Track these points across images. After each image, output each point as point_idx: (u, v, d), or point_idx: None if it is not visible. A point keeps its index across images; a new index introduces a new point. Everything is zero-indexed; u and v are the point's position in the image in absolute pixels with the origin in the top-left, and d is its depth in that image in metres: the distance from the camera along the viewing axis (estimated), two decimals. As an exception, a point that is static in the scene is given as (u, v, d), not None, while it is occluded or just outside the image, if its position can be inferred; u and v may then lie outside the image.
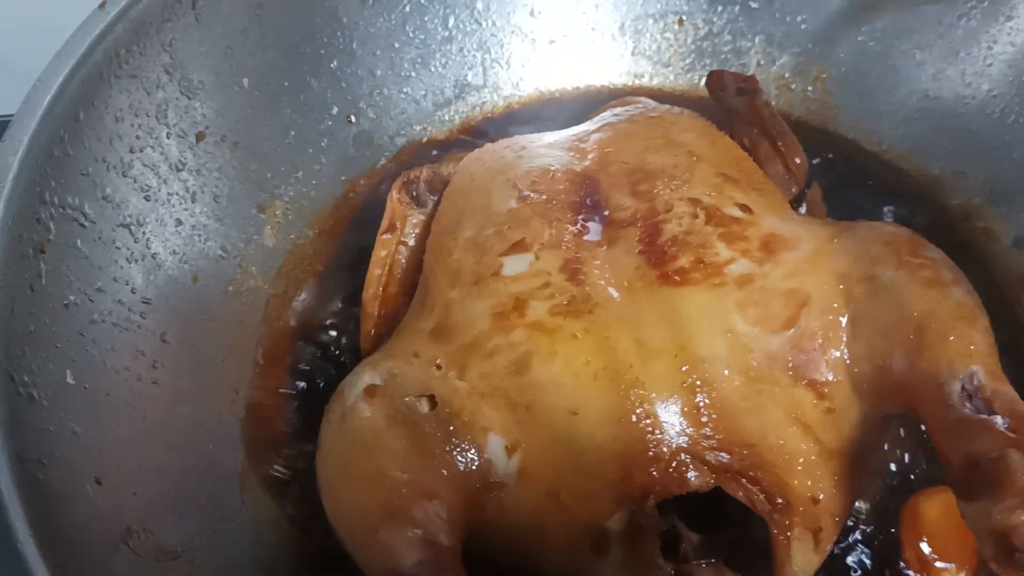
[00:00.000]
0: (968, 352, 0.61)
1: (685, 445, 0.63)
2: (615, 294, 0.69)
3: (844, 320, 0.67)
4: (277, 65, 0.93)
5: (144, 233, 0.80)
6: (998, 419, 0.57)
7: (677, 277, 0.69)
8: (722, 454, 0.63)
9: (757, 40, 1.08)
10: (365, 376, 0.71)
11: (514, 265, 0.72)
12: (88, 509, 0.63)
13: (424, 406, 0.68)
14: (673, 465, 0.63)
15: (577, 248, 0.72)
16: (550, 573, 0.67)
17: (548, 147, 0.82)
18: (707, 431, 0.63)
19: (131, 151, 0.79)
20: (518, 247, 0.73)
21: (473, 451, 0.66)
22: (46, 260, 0.69)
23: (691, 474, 0.63)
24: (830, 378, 0.66)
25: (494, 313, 0.69)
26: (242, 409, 0.84)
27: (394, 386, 0.69)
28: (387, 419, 0.66)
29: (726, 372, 0.65)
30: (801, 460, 0.65)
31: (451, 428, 0.66)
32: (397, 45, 1.02)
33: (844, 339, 0.67)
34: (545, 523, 0.65)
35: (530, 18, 1.09)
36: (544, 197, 0.76)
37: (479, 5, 1.06)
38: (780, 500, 0.63)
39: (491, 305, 0.69)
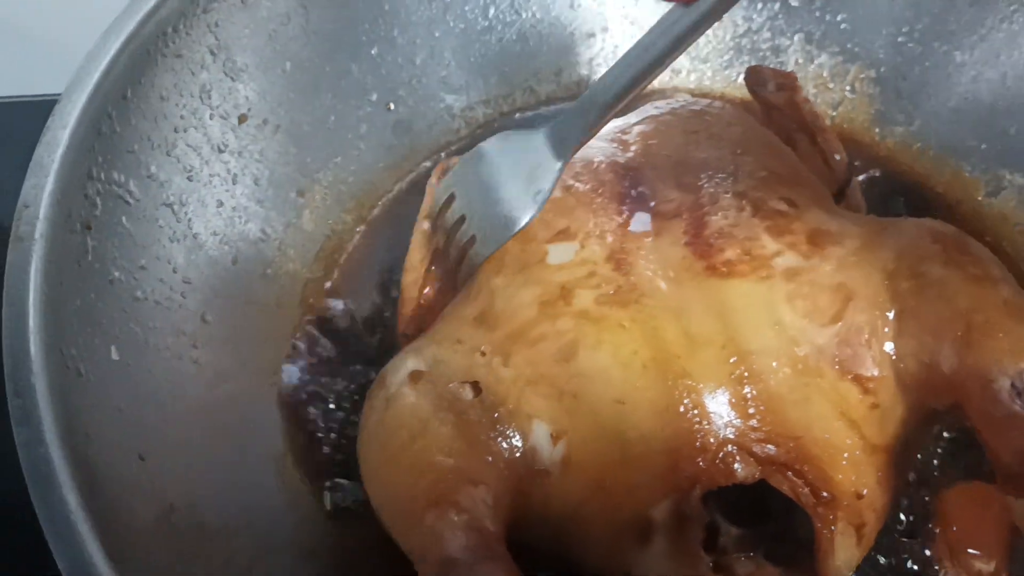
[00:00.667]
0: (1018, 349, 0.61)
1: (732, 436, 0.63)
2: (662, 284, 0.68)
3: (890, 315, 0.67)
4: (319, 50, 0.93)
5: (186, 213, 0.80)
6: (1048, 415, 0.57)
7: (724, 269, 0.68)
8: (769, 446, 0.63)
9: (796, 38, 1.08)
10: (408, 362, 0.71)
11: (559, 254, 0.72)
12: (132, 484, 0.63)
13: (468, 393, 0.67)
14: (720, 456, 0.62)
15: (622, 239, 0.72)
16: (592, 562, 0.66)
17: None
18: (754, 422, 0.63)
19: (175, 131, 0.79)
20: (563, 235, 0.72)
21: (518, 438, 0.65)
22: (92, 236, 0.69)
23: (737, 465, 0.62)
24: (876, 373, 0.66)
25: (540, 301, 0.69)
26: (280, 393, 0.84)
27: (438, 372, 0.69)
28: (432, 405, 0.66)
29: (774, 364, 0.65)
30: (846, 455, 0.64)
31: (496, 415, 0.66)
32: (437, 34, 1.02)
33: (890, 335, 0.66)
34: (589, 512, 0.65)
35: (570, 10, 1.08)
36: (588, 187, 0.76)
37: (520, -4, 1.06)
38: (825, 494, 0.63)
39: (537, 293, 0.69)
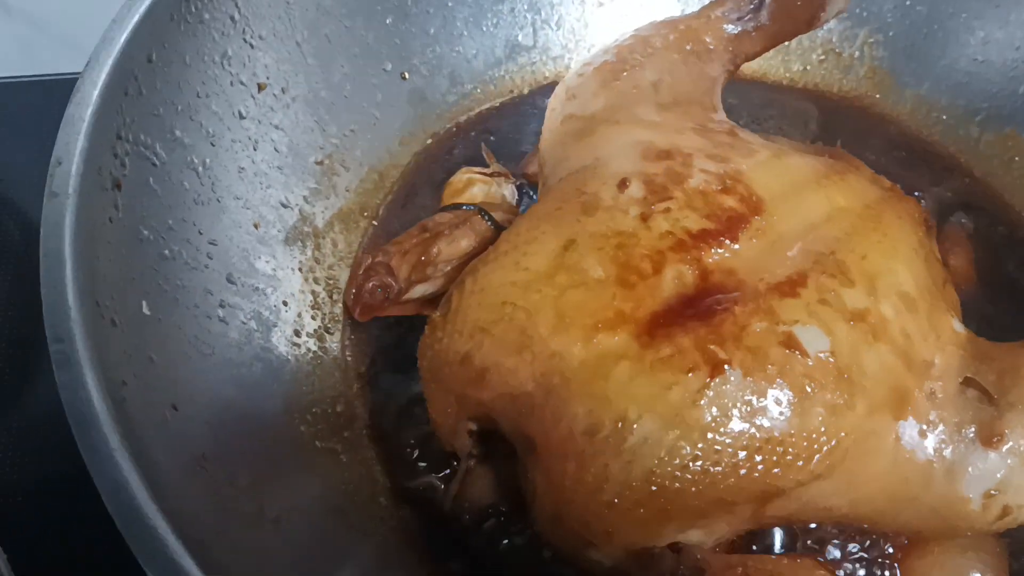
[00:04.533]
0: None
1: None
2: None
3: None
4: (335, 20, 0.94)
5: (209, 177, 0.81)
6: None
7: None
8: None
9: (804, 4, 1.09)
10: None
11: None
12: (167, 431, 0.64)
13: None
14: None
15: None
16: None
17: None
18: None
19: (197, 96, 0.81)
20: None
21: None
22: (122, 195, 0.70)
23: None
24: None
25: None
26: (305, 353, 0.85)
27: None
28: None
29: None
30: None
31: None
32: (450, 3, 1.03)
33: None
34: None
35: (581, -21, 1.10)
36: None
37: (531, -35, 1.07)
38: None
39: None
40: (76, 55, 0.77)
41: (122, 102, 0.71)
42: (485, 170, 0.98)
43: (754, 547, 0.74)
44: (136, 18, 0.73)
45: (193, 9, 0.79)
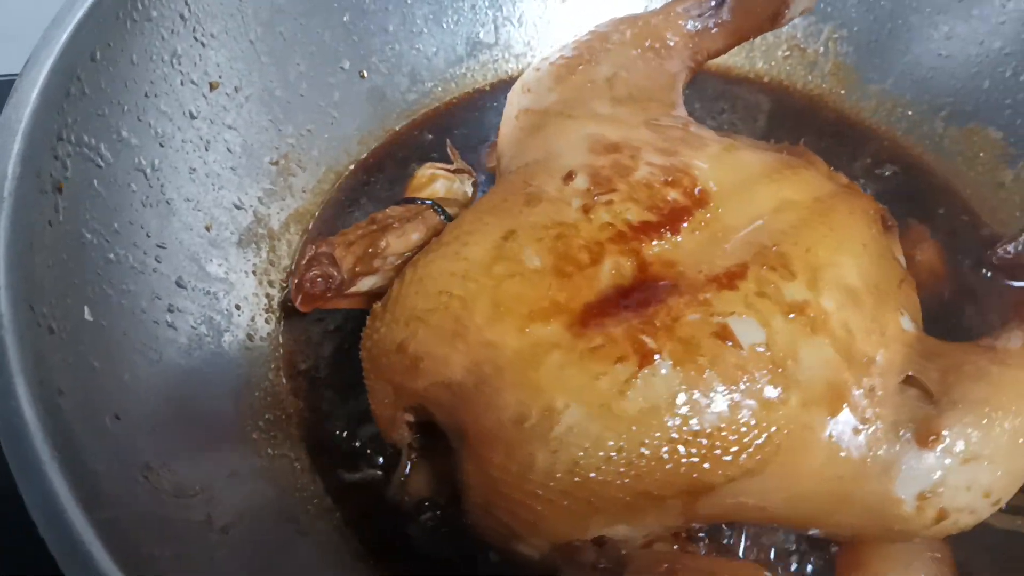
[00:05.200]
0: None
1: None
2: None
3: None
4: (290, 17, 0.93)
5: (159, 178, 0.80)
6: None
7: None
8: None
9: None
10: None
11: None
12: (108, 441, 0.63)
13: None
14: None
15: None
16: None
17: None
18: None
19: (146, 96, 0.79)
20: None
21: None
22: (63, 197, 0.69)
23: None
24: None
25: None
26: (258, 357, 0.83)
27: None
28: None
29: None
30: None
31: None
32: (410, 0, 1.02)
33: None
34: None
35: (542, -26, 1.08)
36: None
37: (492, -38, 1.06)
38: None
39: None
40: (16, 54, 0.76)
41: (64, 102, 0.70)
42: (448, 166, 0.96)
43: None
44: (79, 16, 0.72)
45: (140, 7, 0.77)
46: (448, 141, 1.00)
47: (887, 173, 1.01)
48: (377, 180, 0.99)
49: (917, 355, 0.67)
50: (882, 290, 0.70)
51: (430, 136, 1.03)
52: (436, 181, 0.94)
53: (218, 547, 0.66)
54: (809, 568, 0.75)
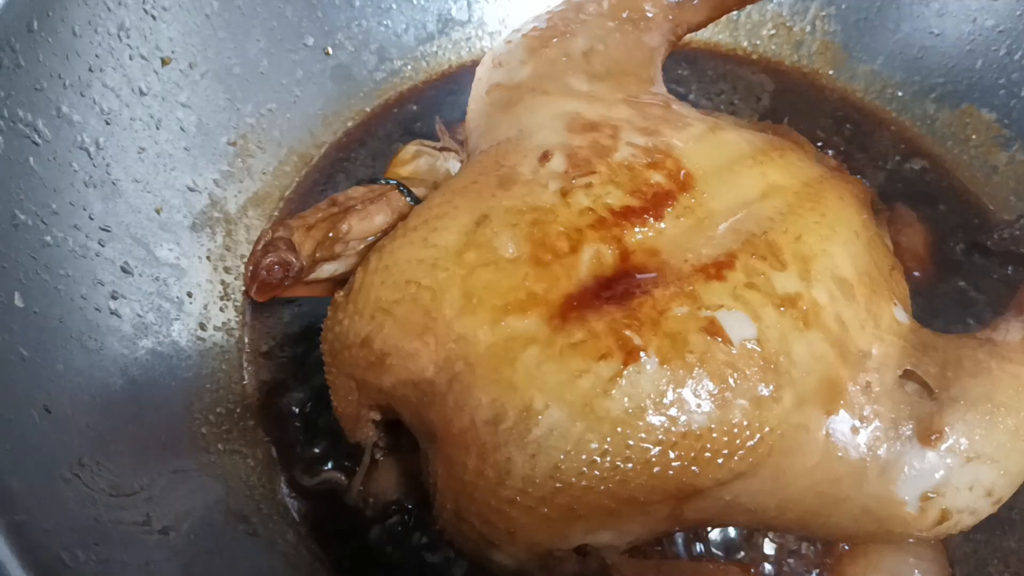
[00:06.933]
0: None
1: None
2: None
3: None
4: (249, -10, 0.88)
5: (103, 158, 0.75)
6: None
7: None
8: None
9: (754, -23, 1.04)
10: None
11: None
12: (34, 436, 0.58)
13: None
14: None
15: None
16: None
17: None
18: None
19: (90, 70, 0.74)
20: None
21: None
22: (-7, 175, 0.64)
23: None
24: None
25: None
26: (211, 347, 0.79)
27: None
28: None
29: None
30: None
31: None
32: (378, -27, 0.97)
33: None
34: None
35: (516, -53, 1.04)
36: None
37: (465, -67, 1.01)
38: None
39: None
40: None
41: (-5, 74, 0.65)
42: (435, 144, 0.91)
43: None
44: (11, -17, 0.67)
45: (82, -26, 0.73)
46: (438, 118, 0.95)
47: (880, 158, 0.97)
48: (342, 162, 0.94)
49: (913, 348, 0.64)
50: (874, 279, 0.66)
51: (401, 116, 0.99)
52: (420, 157, 0.90)
53: (156, 550, 0.61)
54: (798, 568, 0.71)
